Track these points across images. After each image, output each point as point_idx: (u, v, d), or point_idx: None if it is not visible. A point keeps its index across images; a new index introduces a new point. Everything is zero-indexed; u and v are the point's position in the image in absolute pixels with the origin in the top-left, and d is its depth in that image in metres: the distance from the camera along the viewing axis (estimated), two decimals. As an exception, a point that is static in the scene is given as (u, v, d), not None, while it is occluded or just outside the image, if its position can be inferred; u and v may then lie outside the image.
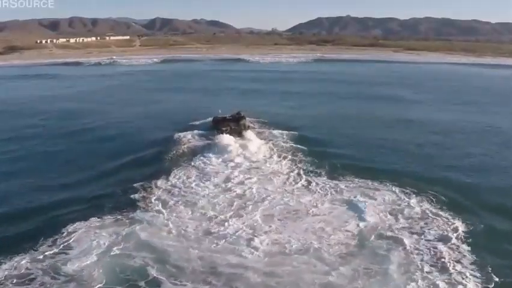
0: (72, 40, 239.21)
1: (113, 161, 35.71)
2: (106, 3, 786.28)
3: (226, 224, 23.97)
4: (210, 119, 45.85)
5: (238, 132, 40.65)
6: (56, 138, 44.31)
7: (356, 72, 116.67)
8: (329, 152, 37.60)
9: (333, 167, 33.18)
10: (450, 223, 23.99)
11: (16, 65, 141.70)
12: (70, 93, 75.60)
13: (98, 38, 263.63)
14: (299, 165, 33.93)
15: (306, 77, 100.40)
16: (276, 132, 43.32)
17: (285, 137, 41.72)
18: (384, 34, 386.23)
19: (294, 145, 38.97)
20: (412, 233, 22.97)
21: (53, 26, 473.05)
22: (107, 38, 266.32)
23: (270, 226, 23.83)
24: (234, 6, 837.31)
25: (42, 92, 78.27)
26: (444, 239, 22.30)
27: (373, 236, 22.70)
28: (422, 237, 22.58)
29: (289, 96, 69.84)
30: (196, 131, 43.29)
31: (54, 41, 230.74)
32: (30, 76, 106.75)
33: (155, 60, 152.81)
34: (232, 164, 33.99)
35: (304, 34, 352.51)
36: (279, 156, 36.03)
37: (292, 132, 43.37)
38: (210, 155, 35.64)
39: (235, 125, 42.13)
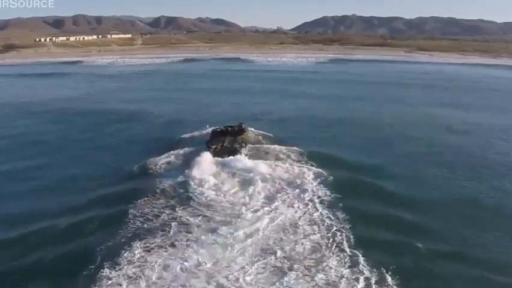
0: (72, 38, 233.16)
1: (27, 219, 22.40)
2: (111, 1, 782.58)
3: None
4: (207, 130, 37.95)
5: (231, 151, 30.68)
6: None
7: (379, 73, 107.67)
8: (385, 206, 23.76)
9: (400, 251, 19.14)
10: None
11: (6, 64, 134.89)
12: (51, 98, 66.45)
13: (100, 36, 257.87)
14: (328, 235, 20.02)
15: (332, 79, 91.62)
16: (289, 151, 32.12)
17: (303, 158, 30.88)
18: (389, 33, 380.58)
19: (316, 175, 27.07)
20: None
21: (57, 24, 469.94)
22: (109, 36, 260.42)
23: None
24: (239, 5, 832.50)
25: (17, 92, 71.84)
26: None
27: None
28: None
29: (311, 102, 60.87)
30: (186, 149, 33.04)
31: (54, 39, 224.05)
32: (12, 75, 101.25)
33: (154, 60, 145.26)
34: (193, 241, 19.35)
35: (310, 33, 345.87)
36: (287, 200, 23.63)
37: (316, 153, 31.68)
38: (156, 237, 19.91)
39: (231, 141, 33.05)
